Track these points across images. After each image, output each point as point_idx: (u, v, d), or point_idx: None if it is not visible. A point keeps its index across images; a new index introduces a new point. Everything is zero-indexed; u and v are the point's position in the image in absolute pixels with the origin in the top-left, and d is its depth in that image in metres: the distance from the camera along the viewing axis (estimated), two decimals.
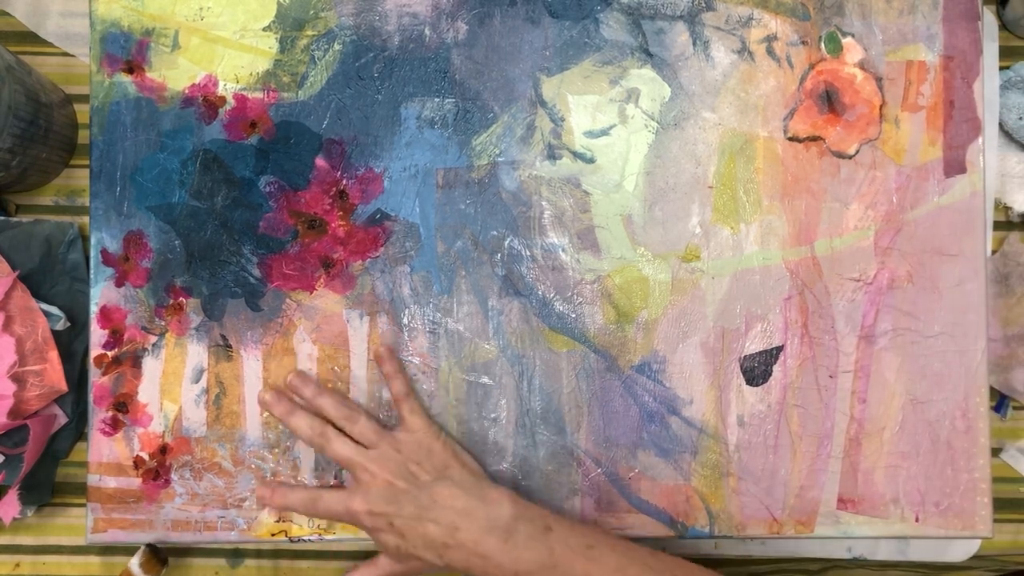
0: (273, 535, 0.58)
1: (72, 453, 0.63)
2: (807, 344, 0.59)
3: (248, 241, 0.58)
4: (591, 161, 0.59)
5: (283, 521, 0.58)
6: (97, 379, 0.58)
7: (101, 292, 0.58)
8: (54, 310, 0.60)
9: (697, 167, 0.59)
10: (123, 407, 0.58)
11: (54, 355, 0.59)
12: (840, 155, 0.59)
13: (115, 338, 0.58)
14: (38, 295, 0.60)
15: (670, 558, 0.50)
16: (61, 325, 0.60)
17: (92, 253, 0.58)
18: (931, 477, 0.58)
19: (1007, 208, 0.65)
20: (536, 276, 0.58)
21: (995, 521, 0.59)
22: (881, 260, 0.59)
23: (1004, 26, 0.65)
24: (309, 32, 0.59)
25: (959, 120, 0.59)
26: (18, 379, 0.58)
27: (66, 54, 0.64)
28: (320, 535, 0.58)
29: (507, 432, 0.58)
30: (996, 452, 0.65)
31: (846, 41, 0.59)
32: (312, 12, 0.59)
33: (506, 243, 0.59)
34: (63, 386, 0.59)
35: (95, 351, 0.58)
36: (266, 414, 0.58)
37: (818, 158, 0.59)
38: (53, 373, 0.59)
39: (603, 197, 0.59)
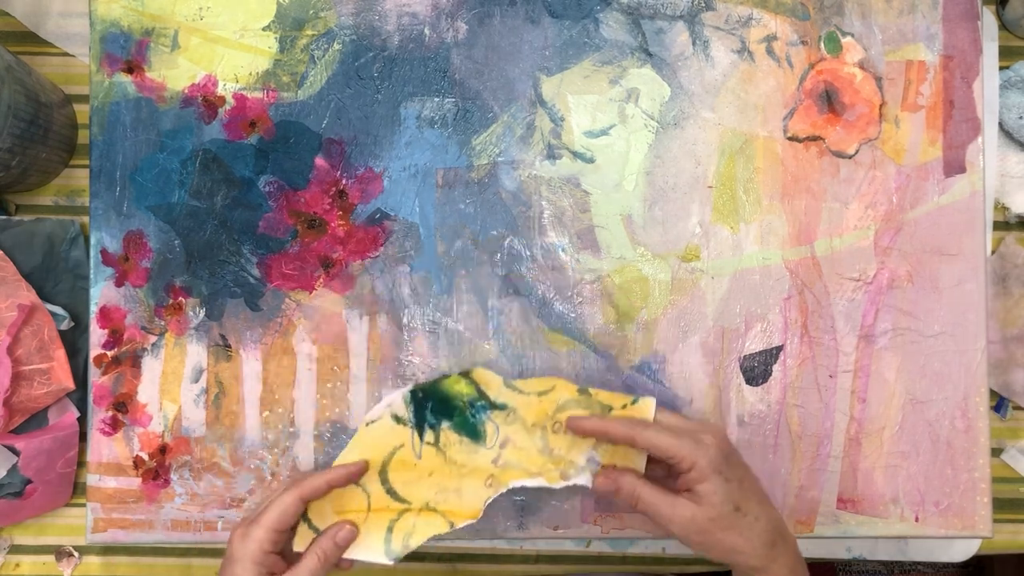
0: None
1: None
2: (807, 344, 0.59)
3: (248, 241, 0.58)
4: (591, 161, 0.59)
5: None
6: (97, 379, 0.58)
7: (101, 292, 0.58)
8: (58, 310, 0.60)
9: (697, 167, 0.59)
10: (123, 407, 0.58)
11: (61, 354, 0.59)
12: (840, 155, 0.59)
13: (115, 338, 0.58)
14: (41, 293, 0.60)
15: None
16: (65, 325, 0.60)
17: (92, 253, 0.58)
18: (931, 477, 0.58)
19: (1005, 208, 0.65)
20: (536, 276, 0.58)
21: (995, 521, 0.59)
22: (881, 260, 0.59)
23: (1004, 26, 0.65)
24: (309, 32, 0.59)
25: (959, 120, 0.59)
26: (25, 377, 0.59)
27: (66, 54, 0.64)
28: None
29: None
30: (996, 452, 0.65)
31: (846, 41, 0.59)
32: (312, 12, 0.59)
33: (506, 243, 0.59)
34: (70, 384, 0.59)
35: (95, 351, 0.58)
36: (266, 413, 0.58)
37: (818, 158, 0.59)
38: (60, 371, 0.59)
39: (603, 197, 0.59)
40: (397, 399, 0.54)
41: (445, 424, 0.54)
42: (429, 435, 0.53)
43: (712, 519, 0.48)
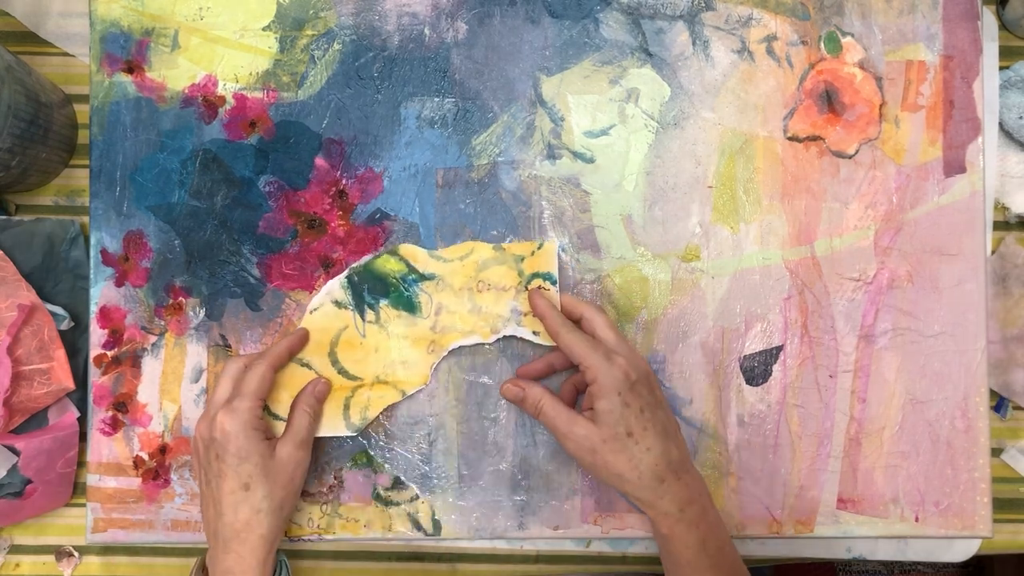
0: None
1: None
2: (807, 344, 0.59)
3: (248, 241, 0.58)
4: (591, 161, 0.59)
5: None
6: (97, 379, 0.58)
7: (101, 292, 0.58)
8: (58, 310, 0.60)
9: (697, 167, 0.59)
10: (123, 407, 0.58)
11: (61, 354, 0.59)
12: (840, 155, 0.59)
13: (115, 338, 0.58)
14: (41, 293, 0.60)
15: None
16: (65, 325, 0.60)
17: (92, 253, 0.58)
18: (931, 477, 0.58)
19: (1005, 208, 0.65)
20: None
21: (995, 521, 0.59)
22: (881, 260, 0.59)
23: (1004, 26, 0.65)
24: (309, 32, 0.59)
25: (959, 120, 0.59)
26: (25, 377, 0.58)
27: (66, 54, 0.64)
28: (320, 535, 0.58)
29: (507, 432, 0.58)
30: (996, 452, 0.65)
31: (846, 41, 0.59)
32: (312, 12, 0.59)
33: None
34: (70, 384, 0.59)
35: (95, 351, 0.58)
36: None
37: (818, 158, 0.59)
38: (60, 371, 0.59)
39: (603, 197, 0.59)
40: (335, 286, 0.57)
41: (383, 302, 0.57)
42: (370, 314, 0.57)
43: (604, 440, 0.50)
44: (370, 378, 0.57)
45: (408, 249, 0.57)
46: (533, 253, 0.57)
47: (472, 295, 0.57)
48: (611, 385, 0.50)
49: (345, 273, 0.57)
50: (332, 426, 0.56)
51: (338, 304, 0.57)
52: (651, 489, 0.50)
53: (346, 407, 0.57)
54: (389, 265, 0.57)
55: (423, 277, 0.57)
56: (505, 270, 0.57)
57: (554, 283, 0.56)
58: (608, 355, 0.51)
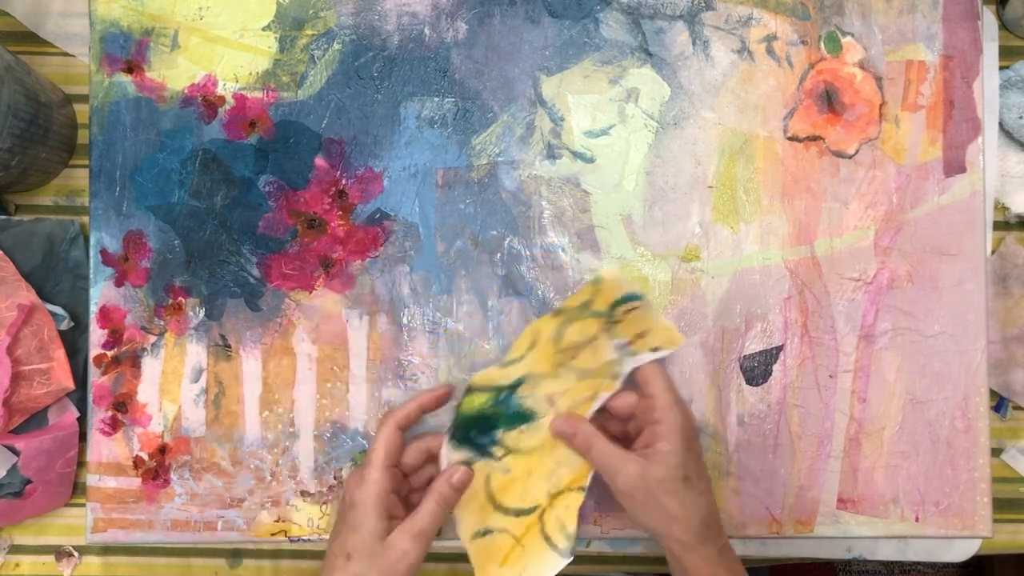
0: (273, 535, 0.58)
1: None
2: (807, 344, 0.59)
3: (247, 241, 0.58)
4: (591, 161, 0.59)
5: (282, 521, 0.58)
6: (97, 379, 0.58)
7: (101, 292, 0.58)
8: (58, 310, 0.60)
9: (697, 167, 0.59)
10: (122, 407, 0.58)
11: (61, 354, 0.59)
12: (840, 155, 0.59)
13: (114, 338, 0.58)
14: (41, 293, 0.60)
15: None
16: (65, 325, 0.60)
17: (92, 253, 0.58)
18: (931, 477, 0.58)
19: (1005, 208, 0.65)
20: (536, 276, 0.58)
21: (995, 521, 0.59)
22: (881, 260, 0.59)
23: (1004, 26, 0.65)
24: (308, 32, 0.59)
25: (959, 120, 0.59)
26: (25, 377, 0.59)
27: (66, 54, 0.64)
28: (320, 535, 0.58)
29: None
30: (996, 452, 0.65)
31: (846, 41, 0.59)
32: (311, 12, 0.59)
33: (506, 243, 0.59)
34: (70, 384, 0.59)
35: (95, 351, 0.58)
36: (266, 413, 0.58)
37: (818, 158, 0.59)
38: (60, 371, 0.59)
39: (603, 197, 0.59)
40: (446, 453, 0.53)
41: (498, 432, 0.53)
42: (497, 451, 0.53)
43: (660, 480, 0.49)
44: (545, 499, 0.53)
45: (479, 378, 0.54)
46: (599, 291, 0.53)
47: (570, 367, 0.53)
48: (680, 427, 0.49)
49: (446, 439, 0.53)
50: (548, 563, 0.52)
51: (464, 463, 0.53)
52: (698, 533, 0.49)
53: (546, 538, 0.53)
54: (475, 403, 0.53)
55: (514, 387, 0.54)
56: (580, 325, 0.53)
57: (641, 299, 0.52)
58: (679, 398, 0.51)
